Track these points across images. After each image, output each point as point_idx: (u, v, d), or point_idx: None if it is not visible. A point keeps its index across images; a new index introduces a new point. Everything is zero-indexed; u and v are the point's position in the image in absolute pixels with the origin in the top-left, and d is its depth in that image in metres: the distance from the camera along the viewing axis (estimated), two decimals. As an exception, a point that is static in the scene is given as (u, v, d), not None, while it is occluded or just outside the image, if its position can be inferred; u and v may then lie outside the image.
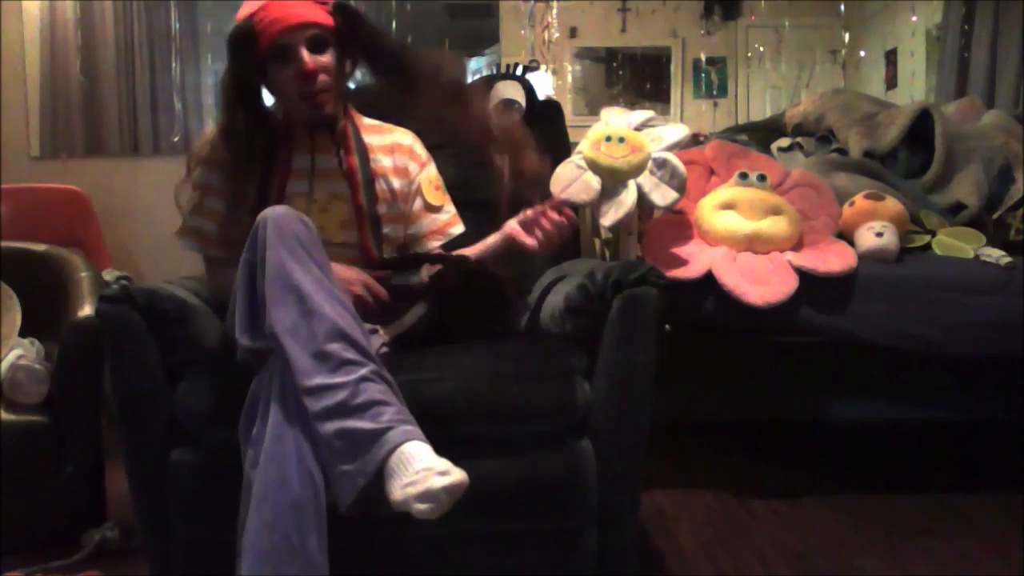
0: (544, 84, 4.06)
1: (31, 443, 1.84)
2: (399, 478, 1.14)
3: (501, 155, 1.82)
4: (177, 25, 3.90)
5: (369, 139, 1.72)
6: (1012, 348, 2.06)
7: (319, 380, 1.20)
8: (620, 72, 4.46)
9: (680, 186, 2.07)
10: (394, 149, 1.74)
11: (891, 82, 4.19)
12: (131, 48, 3.82)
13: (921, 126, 2.58)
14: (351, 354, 1.22)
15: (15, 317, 2.01)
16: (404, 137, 1.78)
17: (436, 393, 1.38)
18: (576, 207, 1.95)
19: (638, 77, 4.46)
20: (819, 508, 2.11)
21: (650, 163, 2.06)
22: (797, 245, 2.16)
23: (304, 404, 1.21)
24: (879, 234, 2.16)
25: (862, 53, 4.41)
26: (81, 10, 3.74)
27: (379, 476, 1.16)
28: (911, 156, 2.60)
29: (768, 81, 4.45)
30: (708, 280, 2.06)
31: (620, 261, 2.02)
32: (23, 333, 2.01)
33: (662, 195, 2.05)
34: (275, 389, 1.25)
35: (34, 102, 3.75)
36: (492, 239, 1.71)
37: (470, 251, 1.73)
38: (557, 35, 4.23)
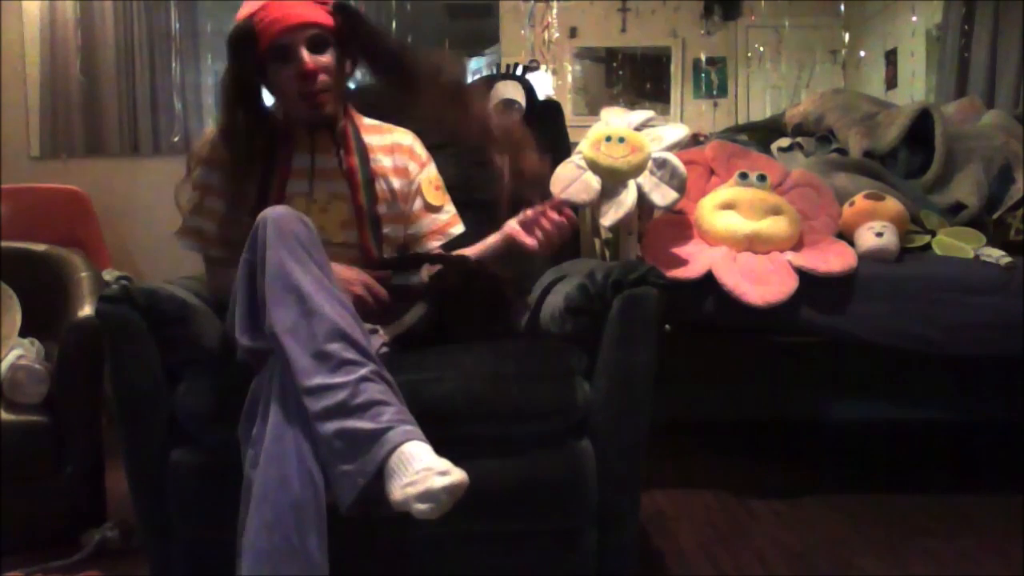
0: (544, 84, 4.06)
1: (31, 443, 1.84)
2: (399, 478, 1.13)
3: (501, 155, 1.82)
4: (177, 25, 3.90)
5: (369, 139, 1.72)
6: (1012, 348, 2.06)
7: (319, 380, 1.20)
8: (620, 72, 4.46)
9: (680, 186, 2.07)
10: (394, 149, 1.74)
11: (891, 82, 4.19)
12: (131, 48, 3.82)
13: (921, 126, 2.58)
14: (351, 354, 1.22)
15: (15, 317, 2.01)
16: (404, 137, 1.78)
17: (436, 393, 1.38)
18: (576, 207, 1.95)
19: (638, 77, 4.46)
20: (819, 508, 2.11)
21: (650, 163, 2.06)
22: (797, 245, 2.16)
23: (304, 404, 1.21)
24: (879, 234, 2.16)
25: (862, 53, 4.41)
26: (81, 10, 3.74)
27: (379, 476, 1.16)
28: (911, 156, 2.61)
29: (768, 81, 4.45)
30: (708, 280, 2.06)
31: (620, 261, 2.02)
32: (23, 333, 2.01)
33: (662, 195, 2.05)
34: (275, 389, 1.25)
35: (34, 102, 3.75)
36: (492, 239, 1.71)
37: (470, 251, 1.73)
38: (557, 35, 4.23)
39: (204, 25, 3.98)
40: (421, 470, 1.12)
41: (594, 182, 2.05)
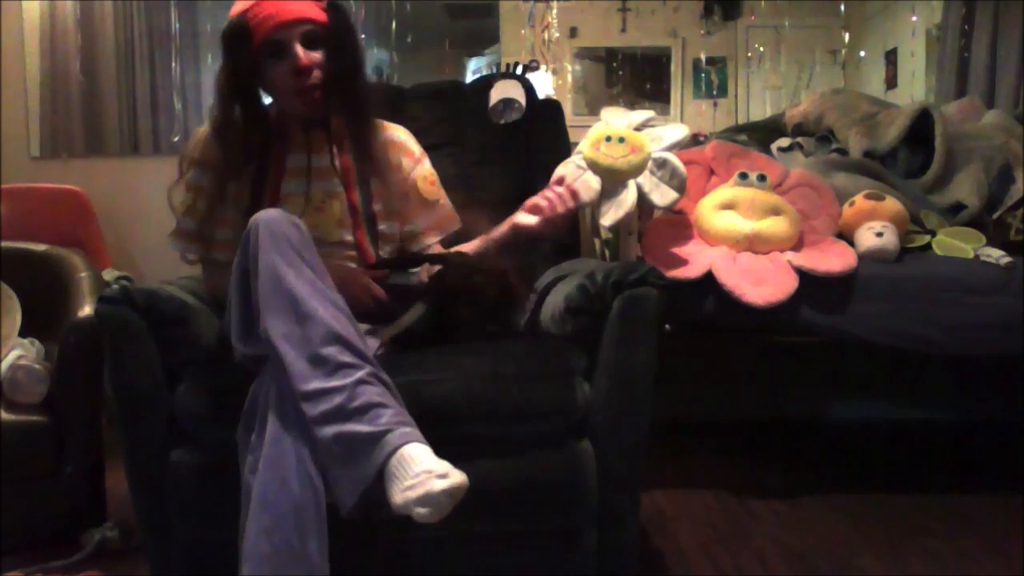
0: (544, 84, 4.05)
1: (31, 443, 1.84)
2: (399, 481, 1.13)
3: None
4: (177, 25, 3.89)
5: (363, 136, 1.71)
6: (1012, 348, 2.06)
7: (316, 384, 1.19)
8: (620, 72, 4.45)
9: (680, 186, 2.07)
10: (388, 146, 1.74)
11: (891, 82, 4.19)
12: (131, 48, 3.82)
13: (921, 126, 2.58)
14: (347, 357, 1.21)
15: (15, 317, 2.01)
16: (397, 133, 1.77)
17: (436, 393, 1.38)
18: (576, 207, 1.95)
19: (638, 77, 4.45)
20: (819, 508, 2.11)
21: (650, 163, 2.06)
22: (797, 245, 2.16)
23: (302, 409, 1.20)
24: (879, 234, 2.15)
25: (862, 53, 4.41)
26: (81, 10, 3.74)
27: (379, 479, 1.15)
28: (911, 156, 2.60)
29: (768, 81, 4.45)
30: (708, 280, 2.06)
31: (620, 261, 2.02)
32: (23, 333, 2.01)
33: (662, 195, 2.05)
34: (272, 394, 1.24)
35: (34, 102, 3.74)
36: (496, 232, 1.71)
37: (469, 247, 1.73)
38: (557, 35, 4.23)
39: (204, 25, 3.97)
40: (420, 473, 1.12)
41: (594, 182, 2.04)
